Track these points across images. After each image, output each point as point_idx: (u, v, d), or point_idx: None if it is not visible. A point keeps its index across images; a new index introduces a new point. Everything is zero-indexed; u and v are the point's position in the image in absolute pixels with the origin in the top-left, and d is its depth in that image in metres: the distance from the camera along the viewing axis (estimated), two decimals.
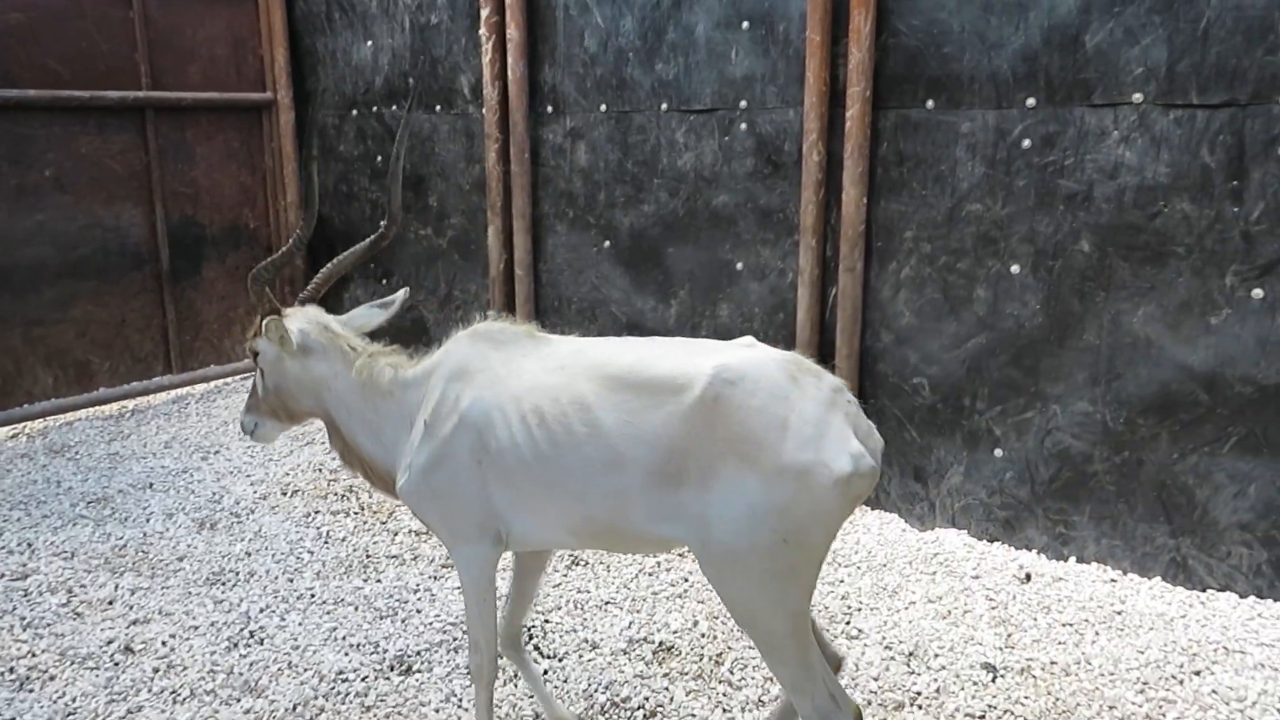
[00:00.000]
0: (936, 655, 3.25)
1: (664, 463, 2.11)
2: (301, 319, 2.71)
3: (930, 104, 3.92)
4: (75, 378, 5.68)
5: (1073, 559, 3.83)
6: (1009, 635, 3.36)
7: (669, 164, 4.74)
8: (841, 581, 3.74)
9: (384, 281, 6.25)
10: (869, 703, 3.00)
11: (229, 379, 6.43)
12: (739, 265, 4.58)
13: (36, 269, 5.46)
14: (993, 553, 3.94)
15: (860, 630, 3.40)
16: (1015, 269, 3.82)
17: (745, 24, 4.34)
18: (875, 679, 3.12)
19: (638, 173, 4.87)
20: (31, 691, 3.08)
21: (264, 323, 2.61)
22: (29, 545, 4.06)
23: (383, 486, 2.72)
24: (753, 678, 3.14)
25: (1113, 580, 3.69)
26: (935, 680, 3.11)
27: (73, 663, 3.23)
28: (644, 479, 2.14)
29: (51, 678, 3.15)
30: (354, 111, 6.13)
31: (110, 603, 3.62)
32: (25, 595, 3.65)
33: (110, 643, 3.35)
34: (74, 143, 5.54)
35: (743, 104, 4.42)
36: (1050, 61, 3.62)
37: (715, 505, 2.06)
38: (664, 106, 4.69)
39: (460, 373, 2.41)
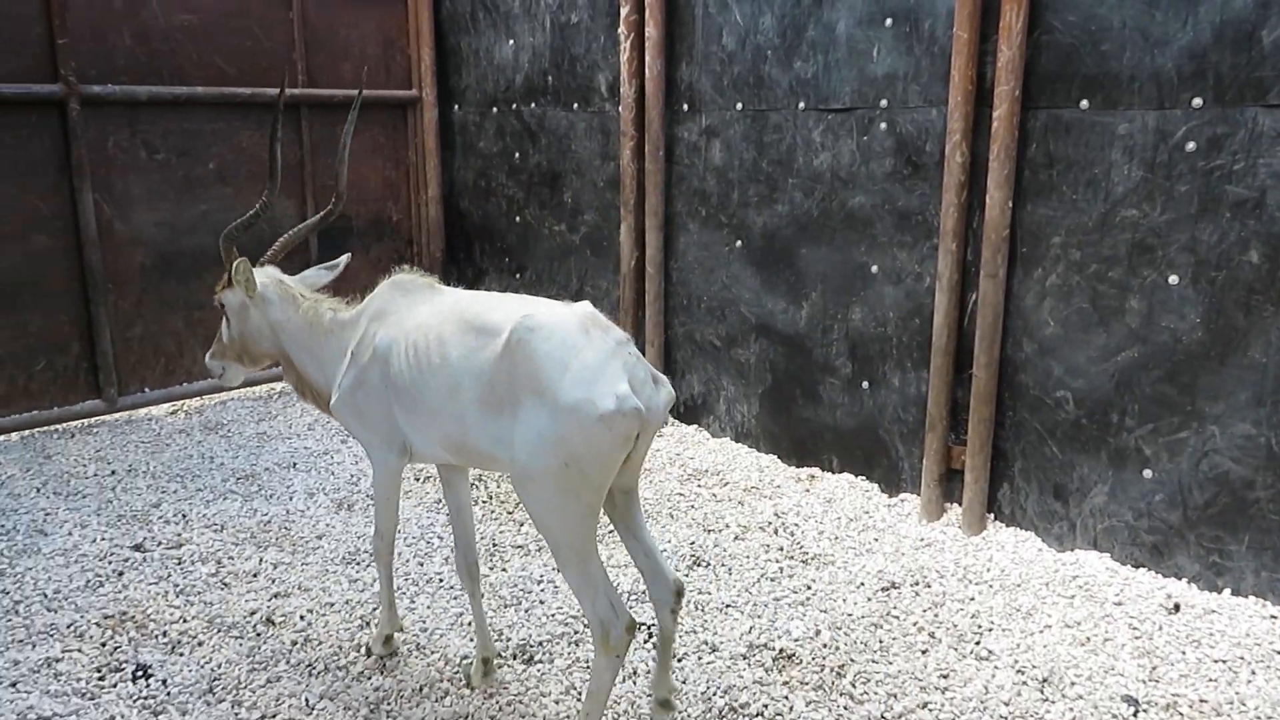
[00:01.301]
0: (1073, 683, 3.09)
1: (486, 393, 2.55)
2: (262, 276, 3.26)
3: (1084, 104, 3.73)
4: None
5: (1227, 591, 3.59)
6: (1153, 668, 3.17)
7: (804, 164, 4.66)
8: (972, 599, 3.61)
9: (517, 276, 6.38)
10: None
11: None
12: (874, 268, 4.47)
13: (198, 256, 5.80)
14: (1137, 579, 3.72)
15: (991, 652, 3.27)
16: (1173, 279, 3.59)
17: (888, 21, 4.23)
18: (1006, 704, 3.00)
19: (772, 172, 4.81)
20: (181, 655, 3.28)
21: (234, 264, 3.16)
22: (184, 516, 4.33)
23: (326, 408, 3.21)
24: (875, 692, 3.06)
25: (1273, 617, 3.44)
26: (1071, 710, 2.96)
27: (219, 630, 3.42)
28: (475, 406, 2.58)
29: (200, 643, 3.35)
30: (494, 109, 6.28)
31: (255, 575, 3.82)
32: (179, 564, 3.89)
33: (253, 613, 3.53)
34: (236, 137, 5.86)
35: (883, 103, 4.31)
36: (1221, 59, 3.39)
37: (518, 432, 2.47)
38: (801, 105, 4.61)
39: (379, 314, 2.98)
